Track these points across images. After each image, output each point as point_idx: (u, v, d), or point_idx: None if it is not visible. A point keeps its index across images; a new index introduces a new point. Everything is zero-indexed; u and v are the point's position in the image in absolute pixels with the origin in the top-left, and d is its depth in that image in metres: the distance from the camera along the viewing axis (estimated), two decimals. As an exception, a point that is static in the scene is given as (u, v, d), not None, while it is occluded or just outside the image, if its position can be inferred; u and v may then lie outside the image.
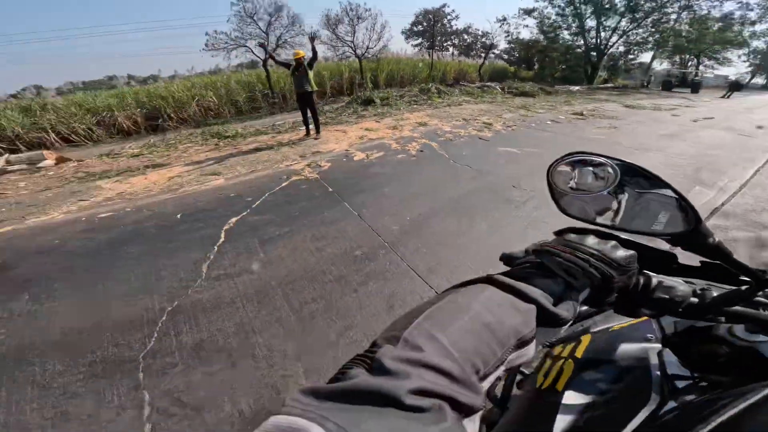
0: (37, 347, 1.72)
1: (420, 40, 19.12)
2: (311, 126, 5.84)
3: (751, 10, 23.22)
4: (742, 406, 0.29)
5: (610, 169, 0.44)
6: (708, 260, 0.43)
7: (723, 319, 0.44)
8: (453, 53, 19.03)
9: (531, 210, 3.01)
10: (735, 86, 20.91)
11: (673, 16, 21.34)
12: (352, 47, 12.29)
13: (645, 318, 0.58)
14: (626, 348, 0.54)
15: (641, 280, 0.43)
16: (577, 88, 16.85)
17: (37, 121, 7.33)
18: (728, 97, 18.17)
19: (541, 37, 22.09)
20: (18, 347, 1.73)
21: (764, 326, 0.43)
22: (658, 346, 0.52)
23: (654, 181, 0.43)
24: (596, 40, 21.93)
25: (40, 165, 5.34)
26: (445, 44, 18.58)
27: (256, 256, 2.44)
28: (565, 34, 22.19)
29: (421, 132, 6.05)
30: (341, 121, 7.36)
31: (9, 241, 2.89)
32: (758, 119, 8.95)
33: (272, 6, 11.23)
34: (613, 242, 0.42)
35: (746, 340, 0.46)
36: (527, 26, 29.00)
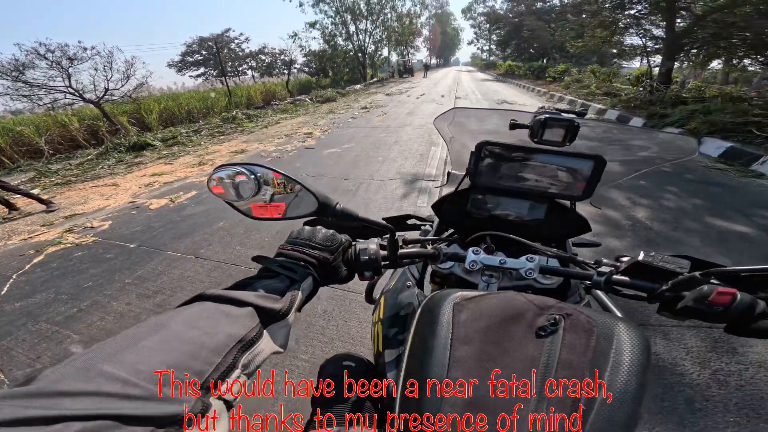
0: None
1: (202, 70, 16.84)
2: (17, 197, 4.31)
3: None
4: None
5: (252, 178, 0.44)
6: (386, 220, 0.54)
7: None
8: (253, 76, 17.67)
9: (363, 192, 3.74)
10: (426, 67, 32.12)
11: (390, 15, 28.52)
12: (74, 92, 9.53)
13: (404, 268, 0.68)
14: (401, 297, 0.65)
15: (352, 250, 0.51)
16: (359, 86, 20.88)
17: None
18: (426, 76, 27.30)
19: (326, 46, 24.40)
20: None
21: (429, 257, 0.58)
22: (416, 289, 0.65)
23: (289, 179, 0.46)
24: (359, 43, 26.48)
25: None
26: (240, 68, 17.24)
27: (66, 339, 1.91)
28: (340, 41, 25.58)
29: (242, 159, 5.68)
30: (97, 175, 5.88)
31: None
32: (440, 91, 15.23)
33: None
34: (318, 227, 0.50)
35: (443, 269, 0.61)
36: (315, 38, 29.60)
